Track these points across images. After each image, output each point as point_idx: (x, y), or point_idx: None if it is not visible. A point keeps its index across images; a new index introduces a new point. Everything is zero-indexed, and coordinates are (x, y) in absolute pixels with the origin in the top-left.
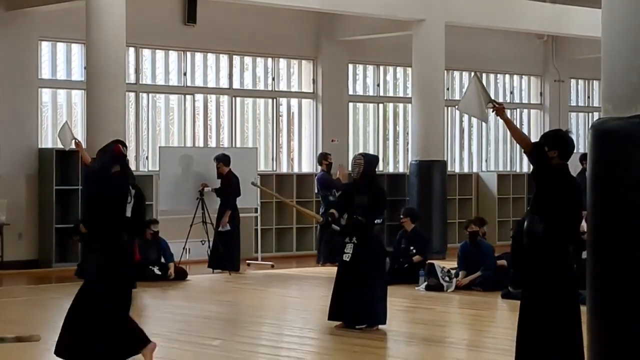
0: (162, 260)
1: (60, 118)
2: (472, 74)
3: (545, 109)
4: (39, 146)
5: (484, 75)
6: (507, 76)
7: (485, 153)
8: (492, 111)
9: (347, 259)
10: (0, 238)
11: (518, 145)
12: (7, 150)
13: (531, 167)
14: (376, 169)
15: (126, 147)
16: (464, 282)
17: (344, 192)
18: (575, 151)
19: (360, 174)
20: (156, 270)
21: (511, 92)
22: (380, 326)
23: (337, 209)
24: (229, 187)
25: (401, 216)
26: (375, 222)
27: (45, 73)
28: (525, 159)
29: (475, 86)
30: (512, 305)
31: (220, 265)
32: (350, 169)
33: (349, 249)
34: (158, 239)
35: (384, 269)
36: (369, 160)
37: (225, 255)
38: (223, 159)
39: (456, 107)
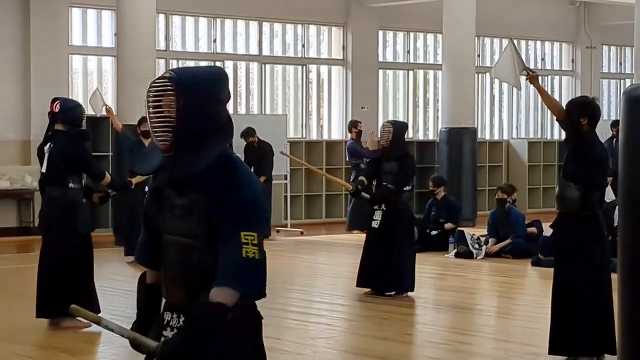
0: None
1: (91, 84)
2: (507, 41)
3: (576, 76)
4: None
5: (514, 41)
6: (539, 43)
7: (515, 120)
8: (526, 79)
9: (376, 226)
10: (32, 204)
11: (549, 112)
12: (39, 116)
13: (562, 134)
14: (405, 136)
15: None
16: (493, 249)
17: (373, 159)
18: (605, 118)
19: (389, 142)
20: None
21: (542, 59)
22: (409, 293)
23: (366, 177)
24: (265, 154)
25: (432, 186)
26: (404, 189)
27: (76, 39)
28: (556, 126)
29: (510, 52)
30: (541, 273)
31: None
32: (379, 136)
33: (377, 215)
34: None
35: (412, 236)
36: (398, 128)
37: None
38: (251, 131)
39: (488, 73)
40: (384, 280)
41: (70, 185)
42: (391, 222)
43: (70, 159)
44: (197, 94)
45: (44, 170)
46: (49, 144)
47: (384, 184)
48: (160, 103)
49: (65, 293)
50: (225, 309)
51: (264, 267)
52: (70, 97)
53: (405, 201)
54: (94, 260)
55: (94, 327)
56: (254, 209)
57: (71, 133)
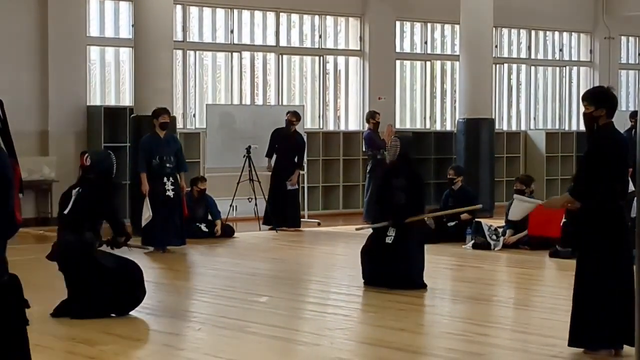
0: (209, 217)
1: (108, 75)
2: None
3: (595, 67)
4: (88, 103)
5: (532, 32)
6: (557, 33)
7: (533, 111)
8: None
9: (390, 242)
10: (50, 195)
11: (567, 103)
12: (57, 107)
13: (580, 125)
14: (413, 150)
15: None
16: (511, 240)
17: (382, 177)
18: (624, 109)
19: (396, 156)
20: (203, 227)
21: (560, 50)
22: (430, 285)
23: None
24: (302, 145)
25: (453, 174)
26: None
27: (93, 31)
28: (574, 117)
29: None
30: (560, 264)
31: (284, 223)
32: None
33: (391, 232)
34: (205, 196)
35: (423, 249)
36: (405, 143)
37: (291, 214)
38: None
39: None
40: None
41: (86, 233)
42: (405, 238)
43: (98, 206)
44: None
45: (66, 212)
46: (78, 188)
47: (400, 201)
48: None
49: None
50: None
51: None
52: (87, 89)
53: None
54: None
55: (112, 318)
56: None
57: (102, 182)
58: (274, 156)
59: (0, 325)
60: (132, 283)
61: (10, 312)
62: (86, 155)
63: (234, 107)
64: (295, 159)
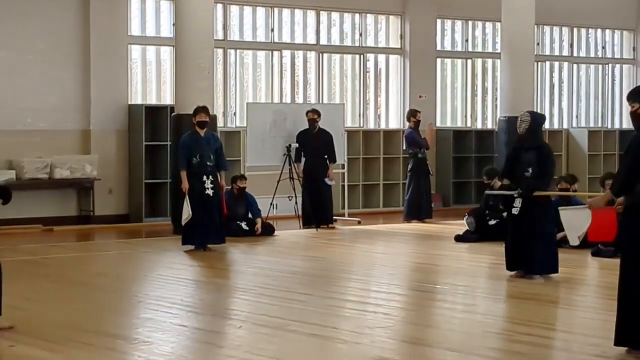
0: (249, 215)
1: (150, 74)
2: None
3: (638, 64)
4: (129, 102)
5: (574, 29)
6: (599, 31)
7: (575, 109)
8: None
9: (516, 212)
10: (92, 193)
11: (610, 101)
12: (98, 106)
13: (623, 123)
14: (542, 127)
15: None
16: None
17: (510, 150)
18: None
19: (526, 131)
20: (243, 225)
21: (603, 47)
22: (466, 283)
23: (504, 175)
24: (330, 141)
25: (487, 179)
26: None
27: (135, 30)
28: (617, 115)
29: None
30: (602, 263)
31: (325, 221)
32: (517, 125)
33: (517, 203)
34: (245, 195)
35: (552, 220)
36: (536, 118)
37: (329, 210)
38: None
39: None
40: (529, 264)
41: None
42: (531, 209)
43: None
44: None
45: None
46: None
47: (527, 174)
48: None
49: None
50: None
51: None
52: (129, 87)
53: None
54: None
55: (153, 316)
56: None
57: None
58: (303, 158)
59: None
60: None
61: None
62: None
63: (275, 105)
64: (326, 156)
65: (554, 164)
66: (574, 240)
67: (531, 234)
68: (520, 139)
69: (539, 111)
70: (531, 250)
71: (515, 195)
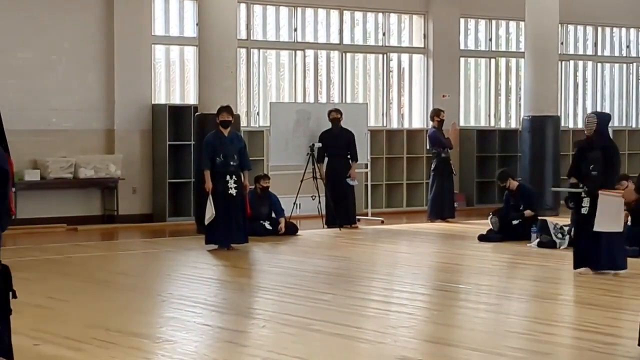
0: (273, 215)
1: (173, 74)
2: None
3: None
4: (153, 102)
5: (598, 28)
6: (623, 29)
7: (600, 108)
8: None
9: (585, 212)
10: (116, 192)
11: (634, 101)
12: (122, 106)
13: None
14: (608, 127)
15: None
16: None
17: (576, 150)
18: None
19: (592, 131)
20: (267, 225)
21: (627, 46)
22: (489, 283)
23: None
24: (353, 140)
25: (502, 183)
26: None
27: (158, 30)
28: None
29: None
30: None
31: (348, 220)
32: (583, 126)
33: (586, 202)
34: (268, 194)
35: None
36: (602, 118)
37: (352, 210)
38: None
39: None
40: (598, 259)
41: None
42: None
43: None
44: None
45: None
46: None
47: (593, 173)
48: None
49: None
50: None
51: None
52: (152, 87)
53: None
54: None
55: (176, 315)
56: None
57: None
58: (326, 158)
59: None
60: None
61: None
62: None
63: (298, 105)
64: (348, 155)
65: (619, 163)
66: (600, 226)
67: (598, 232)
68: (587, 139)
69: (592, 111)
70: (601, 247)
71: (583, 195)
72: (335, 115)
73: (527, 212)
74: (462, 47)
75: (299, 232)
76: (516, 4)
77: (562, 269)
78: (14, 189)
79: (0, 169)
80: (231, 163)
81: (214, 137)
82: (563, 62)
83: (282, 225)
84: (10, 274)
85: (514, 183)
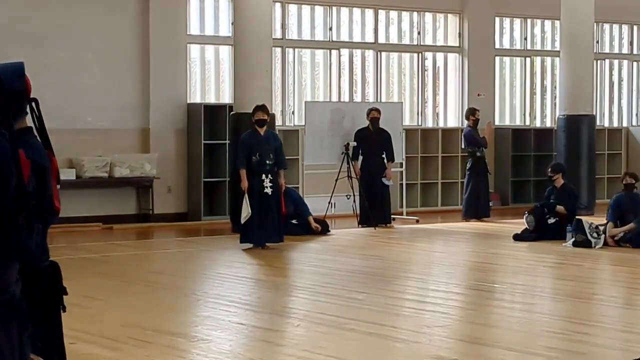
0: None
1: (208, 74)
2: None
3: None
4: (188, 101)
5: (634, 27)
6: None
7: (635, 107)
8: None
9: None
10: (151, 191)
11: None
12: (158, 105)
13: None
14: None
15: None
16: (614, 232)
17: None
18: None
19: None
20: (294, 222)
21: None
22: (525, 282)
23: None
24: (389, 139)
25: (551, 173)
26: None
27: (194, 29)
28: None
29: None
30: None
31: (382, 220)
32: None
33: None
34: (288, 191)
35: None
36: None
37: (387, 209)
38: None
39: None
40: None
41: None
42: None
43: None
44: None
45: None
46: None
47: None
48: None
49: None
50: None
51: None
52: (187, 86)
53: None
54: None
55: (211, 314)
56: None
57: None
58: (360, 157)
59: (35, 309)
60: None
61: (46, 297)
62: None
63: (333, 104)
64: (383, 155)
65: None
66: None
67: None
68: None
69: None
70: None
71: None
72: (375, 114)
73: (559, 208)
74: (497, 45)
75: (334, 231)
76: (551, 2)
77: (597, 268)
78: (59, 186)
79: (39, 165)
80: (267, 162)
81: (250, 136)
82: (598, 61)
83: (316, 224)
84: (60, 271)
85: (560, 180)
